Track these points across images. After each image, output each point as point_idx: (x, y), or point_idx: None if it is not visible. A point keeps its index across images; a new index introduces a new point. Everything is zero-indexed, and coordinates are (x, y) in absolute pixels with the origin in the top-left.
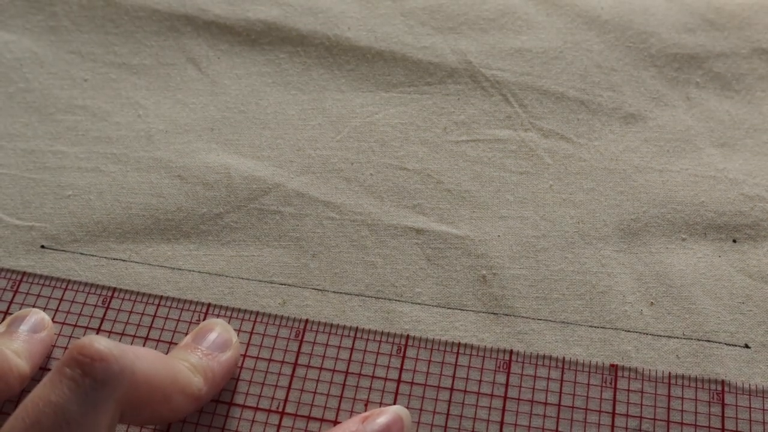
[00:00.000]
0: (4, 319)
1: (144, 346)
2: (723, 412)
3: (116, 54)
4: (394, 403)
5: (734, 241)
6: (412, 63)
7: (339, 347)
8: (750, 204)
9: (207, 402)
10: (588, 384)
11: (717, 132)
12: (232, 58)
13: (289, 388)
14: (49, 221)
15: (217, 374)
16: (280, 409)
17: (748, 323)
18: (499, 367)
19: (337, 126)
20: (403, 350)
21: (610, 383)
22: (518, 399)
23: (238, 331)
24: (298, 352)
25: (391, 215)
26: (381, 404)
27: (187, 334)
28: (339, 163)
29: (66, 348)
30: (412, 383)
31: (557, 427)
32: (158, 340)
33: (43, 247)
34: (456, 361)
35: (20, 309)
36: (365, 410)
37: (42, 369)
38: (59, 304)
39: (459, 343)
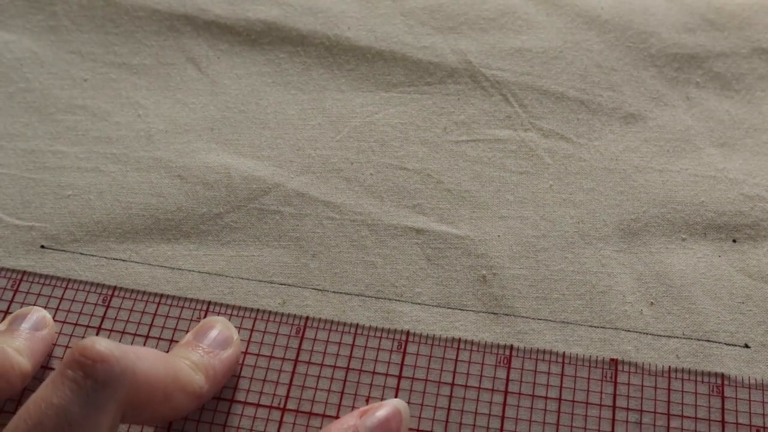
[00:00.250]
0: (5, 318)
1: (145, 344)
2: (723, 405)
3: (116, 54)
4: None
5: (734, 241)
6: (412, 63)
7: (339, 344)
8: (750, 204)
9: (208, 399)
10: (588, 378)
11: (717, 132)
12: (232, 58)
13: (290, 384)
14: (49, 221)
15: (218, 372)
16: (282, 406)
17: (748, 323)
18: (499, 362)
19: (337, 126)
20: (403, 346)
21: (611, 377)
22: (519, 393)
23: (239, 328)
24: (299, 349)
25: (391, 215)
26: (382, 399)
27: (187, 332)
28: (339, 162)
29: (67, 347)
30: (413, 379)
31: (558, 421)
32: (159, 338)
33: (43, 247)
34: (456, 357)
35: (21, 308)
36: (366, 405)
37: (44, 367)
38: (59, 303)
39: (459, 338)
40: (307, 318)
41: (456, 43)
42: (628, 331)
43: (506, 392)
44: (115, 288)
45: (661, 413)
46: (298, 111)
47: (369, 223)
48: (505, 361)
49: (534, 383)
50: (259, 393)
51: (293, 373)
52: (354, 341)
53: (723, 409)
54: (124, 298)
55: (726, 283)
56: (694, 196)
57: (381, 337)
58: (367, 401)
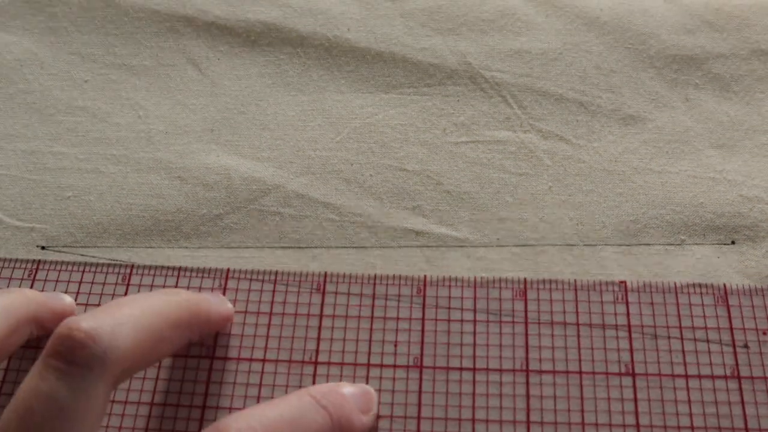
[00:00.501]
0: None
1: None
2: (729, 313)
3: (116, 55)
4: (421, 341)
5: (733, 242)
6: (411, 64)
7: (361, 295)
8: (749, 205)
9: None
10: (601, 302)
11: (716, 133)
12: (232, 59)
13: (318, 338)
14: (49, 222)
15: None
16: (313, 360)
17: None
18: (516, 296)
19: (337, 127)
20: (423, 290)
21: (622, 299)
22: (539, 323)
23: (260, 291)
24: (322, 304)
25: (390, 217)
26: (408, 343)
27: None
28: (339, 164)
29: None
30: (436, 320)
31: (579, 345)
32: None
33: (43, 248)
34: (475, 294)
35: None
36: (394, 350)
37: None
38: (79, 287)
39: (476, 278)
40: (326, 274)
41: (455, 45)
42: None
43: (526, 323)
44: (133, 266)
45: (674, 326)
46: (298, 112)
47: (369, 224)
48: (521, 294)
49: (551, 312)
50: (289, 350)
51: (320, 327)
52: (374, 291)
53: (729, 317)
54: (143, 274)
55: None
56: (693, 197)
57: (400, 284)
58: (395, 346)
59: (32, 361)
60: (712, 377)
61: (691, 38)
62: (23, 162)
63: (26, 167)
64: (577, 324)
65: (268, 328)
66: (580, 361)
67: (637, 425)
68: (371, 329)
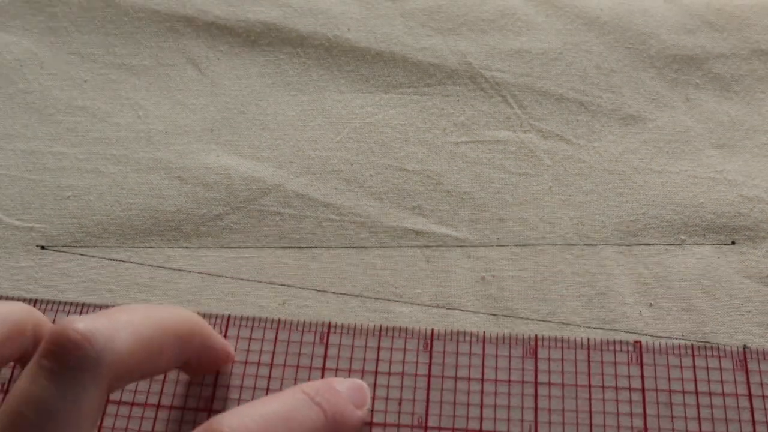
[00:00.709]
0: None
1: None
2: (747, 378)
3: (116, 55)
4: (426, 400)
5: (733, 242)
6: (411, 64)
7: (365, 347)
8: (749, 205)
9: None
10: (615, 362)
11: (716, 133)
12: (231, 59)
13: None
14: (49, 222)
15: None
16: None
17: (747, 324)
18: (526, 353)
19: (337, 127)
20: (429, 346)
21: (636, 359)
22: (549, 383)
23: (261, 340)
24: (325, 357)
25: (390, 217)
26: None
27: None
28: (339, 164)
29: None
30: (442, 377)
31: (590, 408)
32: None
33: (43, 247)
34: (483, 351)
35: None
36: (398, 409)
37: None
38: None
39: (484, 333)
40: (330, 324)
41: (456, 45)
42: (628, 332)
43: (536, 383)
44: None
45: (689, 392)
46: (298, 112)
47: (369, 224)
48: (531, 352)
49: (562, 371)
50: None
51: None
52: (379, 344)
53: (747, 382)
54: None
55: (725, 284)
56: (694, 197)
57: (405, 338)
58: (399, 404)
59: None
60: None
61: (691, 38)
62: (23, 162)
63: (26, 167)
64: (589, 386)
65: (268, 380)
66: (591, 425)
67: None
68: (375, 385)
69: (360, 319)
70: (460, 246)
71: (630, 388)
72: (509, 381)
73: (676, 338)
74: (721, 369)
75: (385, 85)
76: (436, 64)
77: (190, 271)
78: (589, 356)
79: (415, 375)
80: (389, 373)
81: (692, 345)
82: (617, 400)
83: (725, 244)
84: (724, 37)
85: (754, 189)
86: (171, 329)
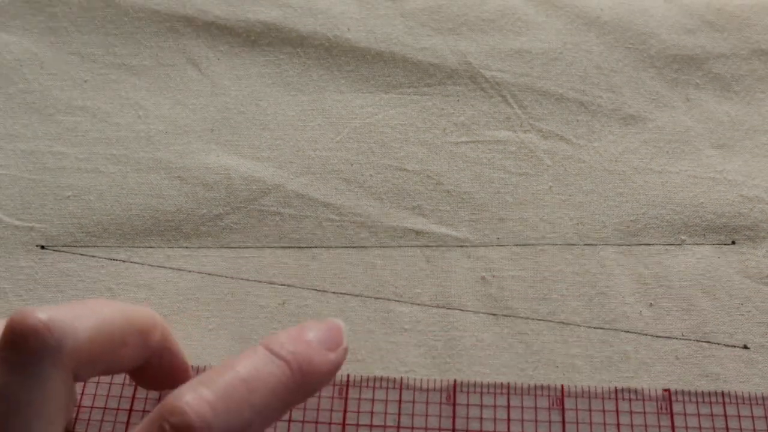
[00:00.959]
0: None
1: None
2: (672, 422)
3: (116, 55)
4: None
5: (733, 242)
6: (411, 64)
7: (386, 401)
8: (749, 205)
9: (168, 343)
10: (644, 412)
11: (716, 133)
12: (231, 59)
13: None
14: (49, 222)
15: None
16: None
17: (747, 324)
18: (552, 404)
19: (337, 127)
20: (452, 397)
21: (666, 409)
22: None
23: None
24: (345, 411)
25: (390, 216)
26: None
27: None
28: (339, 164)
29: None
30: (467, 430)
31: None
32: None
33: (43, 247)
34: (508, 402)
35: None
36: None
37: None
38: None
39: (509, 384)
40: (349, 377)
41: (456, 45)
42: (628, 332)
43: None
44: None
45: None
46: (298, 112)
47: (369, 224)
48: (558, 403)
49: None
50: None
51: None
52: (401, 396)
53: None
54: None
55: (725, 284)
56: (694, 197)
57: (428, 390)
58: None
59: None
60: None
61: (691, 38)
62: (23, 162)
63: (26, 167)
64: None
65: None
66: None
67: None
68: None
69: (359, 318)
70: (460, 246)
71: None
72: None
73: (677, 338)
74: (752, 416)
75: (385, 85)
76: (436, 64)
77: (190, 271)
78: (617, 406)
79: (439, 429)
80: (412, 428)
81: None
82: None
83: (725, 244)
84: (724, 37)
85: (754, 189)
86: (133, 321)
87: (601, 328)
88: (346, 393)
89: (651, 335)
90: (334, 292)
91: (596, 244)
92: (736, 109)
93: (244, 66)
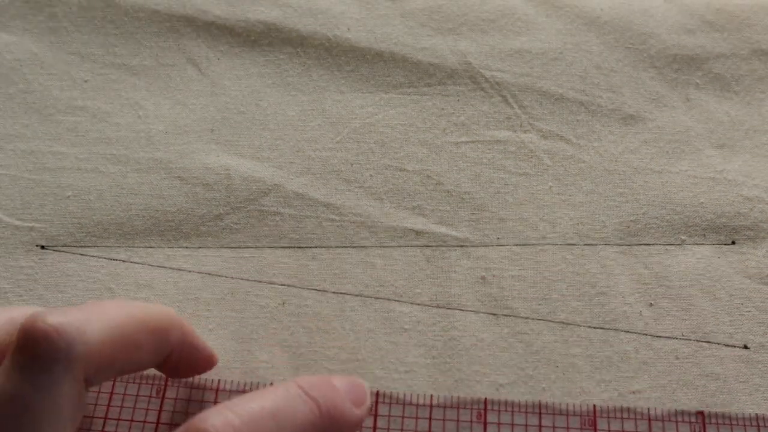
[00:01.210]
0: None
1: None
2: None
3: (116, 55)
4: None
5: (733, 242)
6: (411, 64)
7: (416, 417)
8: (749, 205)
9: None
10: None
11: (716, 133)
12: (231, 59)
13: None
14: (49, 222)
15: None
16: None
17: (747, 324)
18: (584, 425)
19: (337, 127)
20: (483, 416)
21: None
22: None
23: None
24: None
25: (390, 216)
26: None
27: None
28: (339, 164)
29: None
30: None
31: None
32: None
33: (43, 247)
34: (540, 422)
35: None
36: None
37: None
38: None
39: (540, 402)
40: (378, 393)
41: (456, 45)
42: (628, 332)
43: None
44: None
45: None
46: (298, 112)
47: (369, 224)
48: (590, 424)
49: None
50: None
51: None
52: (431, 414)
53: None
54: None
55: (725, 284)
56: (694, 197)
57: (458, 407)
58: None
59: None
60: None
61: (691, 38)
62: (23, 161)
63: (26, 167)
64: None
65: None
66: None
67: None
68: None
69: (359, 318)
70: (460, 246)
71: None
72: None
73: (677, 338)
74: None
75: (385, 85)
76: (436, 64)
77: (190, 271)
78: (650, 427)
79: None
80: None
81: (756, 415)
82: None
83: (725, 244)
84: (725, 37)
85: (754, 189)
86: (147, 322)
87: (601, 328)
88: (376, 410)
89: (651, 335)
90: (334, 292)
91: (596, 244)
92: (736, 109)
93: (244, 66)
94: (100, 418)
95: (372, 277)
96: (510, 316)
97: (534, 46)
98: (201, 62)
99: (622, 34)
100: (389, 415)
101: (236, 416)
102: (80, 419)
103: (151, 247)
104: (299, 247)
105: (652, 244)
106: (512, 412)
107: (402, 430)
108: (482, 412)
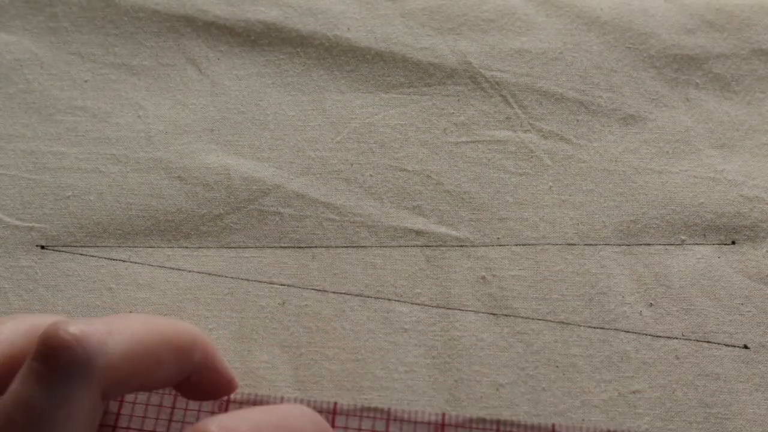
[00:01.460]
0: None
1: None
2: None
3: (116, 55)
4: None
5: (733, 242)
6: (411, 64)
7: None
8: (749, 205)
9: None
10: None
11: (716, 133)
12: (232, 59)
13: None
14: (49, 222)
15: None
16: None
17: (747, 324)
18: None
19: (337, 127)
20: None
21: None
22: None
23: None
24: None
25: (390, 216)
26: None
27: None
28: (339, 164)
29: None
30: None
31: None
32: None
33: (42, 247)
34: None
35: None
36: None
37: None
38: None
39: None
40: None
41: (456, 44)
42: (628, 332)
43: None
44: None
45: None
46: (298, 112)
47: (369, 224)
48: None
49: None
50: None
51: None
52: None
53: None
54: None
55: (725, 284)
56: (694, 197)
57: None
58: None
59: None
60: None
61: (691, 38)
62: (23, 161)
63: (26, 167)
64: None
65: None
66: None
67: None
68: None
69: (359, 318)
70: (460, 246)
71: None
72: None
73: (677, 338)
74: None
75: (385, 85)
76: (436, 64)
77: (190, 271)
78: None
79: None
80: None
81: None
82: None
83: (725, 244)
84: (725, 37)
85: (755, 189)
86: (170, 339)
87: (601, 328)
88: (333, 421)
89: (651, 335)
90: (334, 292)
91: (596, 244)
92: (736, 109)
93: (244, 66)
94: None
95: (372, 277)
96: (510, 316)
97: (534, 46)
98: (201, 62)
99: (622, 34)
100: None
101: (242, 421)
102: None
103: (151, 247)
104: (299, 247)
105: (652, 244)
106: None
107: None
108: (439, 426)
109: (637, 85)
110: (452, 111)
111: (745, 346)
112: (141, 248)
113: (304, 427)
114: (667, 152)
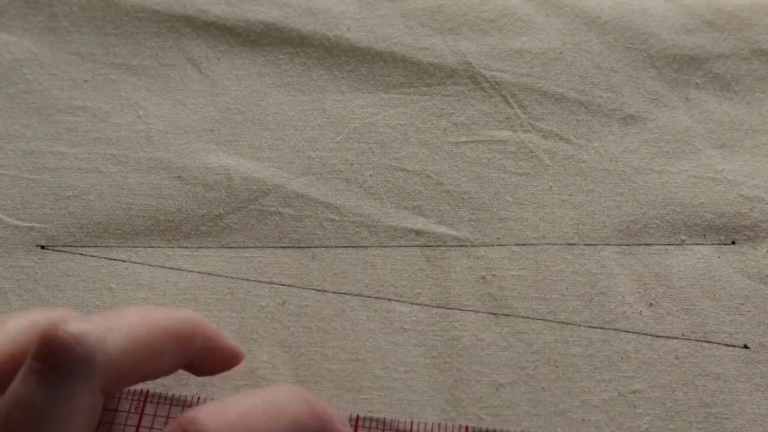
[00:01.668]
0: None
1: None
2: None
3: (116, 55)
4: None
5: (733, 242)
6: (411, 64)
7: None
8: (749, 205)
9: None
10: None
11: (716, 133)
12: (232, 59)
13: None
14: (48, 222)
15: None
16: None
17: (747, 324)
18: None
19: (337, 127)
20: None
21: None
22: None
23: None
24: None
25: (390, 216)
26: None
27: None
28: (339, 164)
29: None
30: None
31: None
32: None
33: (42, 247)
34: None
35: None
36: None
37: None
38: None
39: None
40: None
41: (456, 44)
42: (628, 332)
43: None
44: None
45: None
46: (298, 112)
47: (369, 224)
48: None
49: None
50: None
51: None
52: None
53: None
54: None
55: (725, 284)
56: (694, 197)
57: None
58: None
59: None
60: None
61: (691, 38)
62: (23, 161)
63: (26, 167)
64: None
65: None
66: None
67: None
68: None
69: (359, 318)
70: (460, 246)
71: None
72: None
73: (677, 338)
74: None
75: (385, 85)
76: (436, 64)
77: (190, 271)
78: None
79: None
80: None
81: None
82: None
83: (725, 244)
84: (725, 37)
85: (754, 189)
86: (169, 330)
87: (601, 328)
88: None
89: (651, 335)
90: (334, 292)
91: (596, 244)
92: (736, 109)
93: (244, 66)
94: None
95: (372, 277)
96: (510, 315)
97: (534, 46)
98: (201, 62)
99: (622, 34)
100: None
101: (232, 408)
102: (95, 429)
103: (151, 247)
104: (299, 247)
105: (652, 244)
106: None
107: None
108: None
109: (637, 85)
110: (452, 111)
111: (745, 346)
112: (141, 248)
113: (293, 407)
114: (667, 152)
